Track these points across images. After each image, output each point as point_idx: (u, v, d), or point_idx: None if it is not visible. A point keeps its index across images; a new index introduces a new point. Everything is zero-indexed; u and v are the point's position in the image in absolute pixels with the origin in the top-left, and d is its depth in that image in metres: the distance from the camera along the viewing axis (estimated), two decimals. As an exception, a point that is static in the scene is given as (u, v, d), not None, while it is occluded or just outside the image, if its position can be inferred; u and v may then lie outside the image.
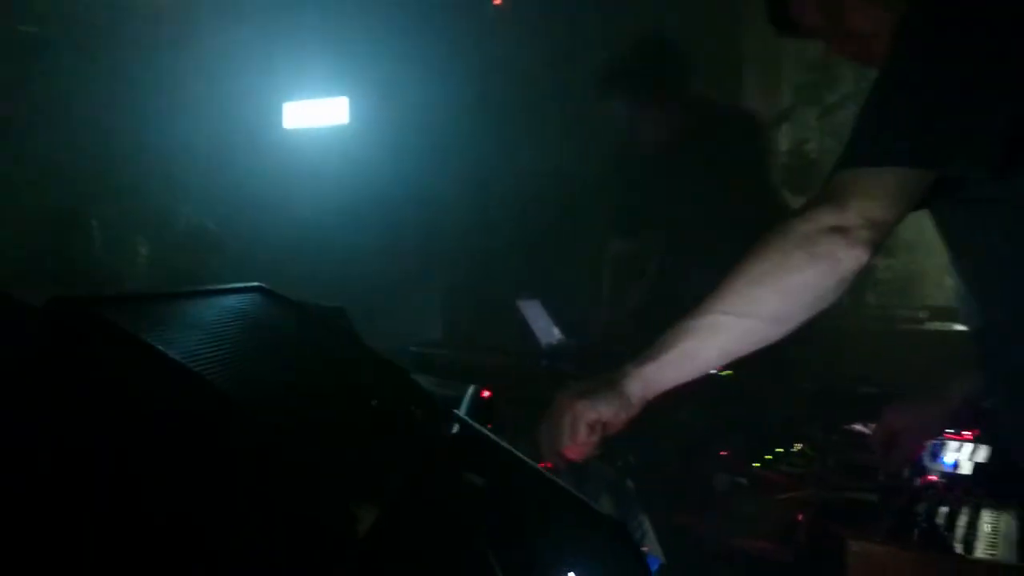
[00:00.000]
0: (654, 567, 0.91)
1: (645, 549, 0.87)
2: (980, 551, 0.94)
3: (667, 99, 2.26)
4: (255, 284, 1.31)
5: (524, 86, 3.41)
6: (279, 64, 3.58)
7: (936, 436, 1.32)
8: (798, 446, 1.51)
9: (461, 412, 0.98)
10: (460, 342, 2.43)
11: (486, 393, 1.15)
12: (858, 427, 1.68)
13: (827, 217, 0.97)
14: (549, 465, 1.09)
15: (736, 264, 1.04)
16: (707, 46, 4.07)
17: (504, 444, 0.79)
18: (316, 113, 3.97)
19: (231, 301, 1.20)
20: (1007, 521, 1.02)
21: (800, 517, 1.11)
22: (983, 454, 1.37)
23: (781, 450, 1.46)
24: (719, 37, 4.21)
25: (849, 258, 0.97)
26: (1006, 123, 0.89)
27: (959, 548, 0.96)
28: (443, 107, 3.71)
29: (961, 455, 1.35)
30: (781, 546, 1.05)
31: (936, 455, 1.35)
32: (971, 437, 1.48)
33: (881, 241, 0.98)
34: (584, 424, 1.08)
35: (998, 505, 1.08)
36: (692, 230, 2.38)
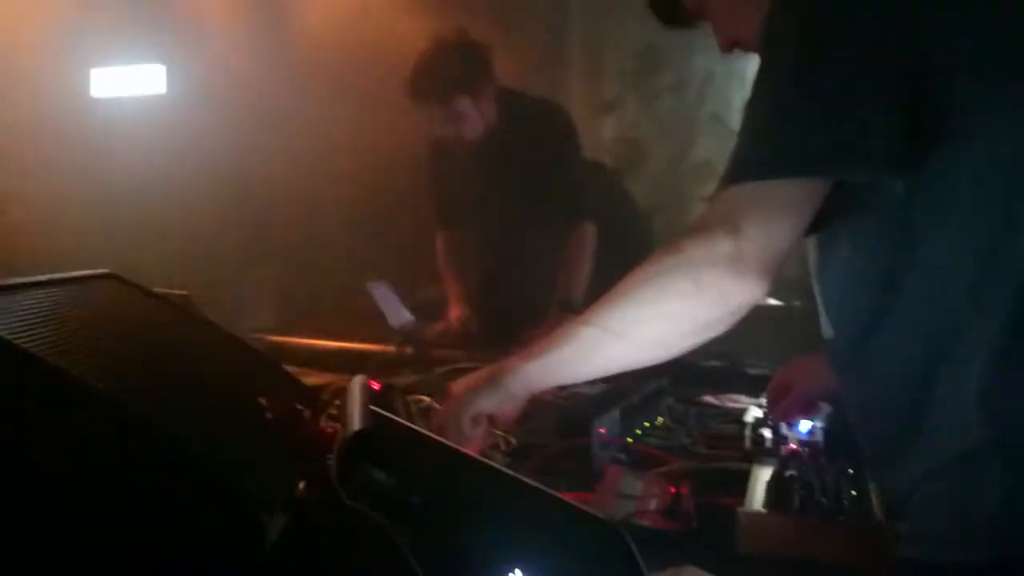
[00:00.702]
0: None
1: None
2: (855, 514, 1.02)
3: (473, 99, 2.31)
4: (104, 271, 1.19)
5: (362, 59, 3.30)
6: (86, 25, 3.24)
7: (825, 396, 1.37)
8: (660, 420, 1.57)
9: (353, 406, 0.93)
10: (308, 329, 2.33)
11: (376, 385, 1.10)
12: (709, 399, 1.79)
13: (721, 245, 0.90)
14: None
15: (623, 280, 0.99)
16: (534, 35, 4.15)
17: (431, 435, 0.75)
18: (129, 81, 3.64)
19: (81, 290, 1.08)
20: (868, 485, 1.11)
21: (681, 489, 1.15)
22: (828, 422, 1.48)
23: (648, 424, 1.51)
24: (546, 26, 4.29)
25: (740, 292, 0.91)
26: (902, 114, 0.84)
27: (836, 512, 1.03)
28: (272, 80, 3.53)
29: (813, 424, 1.46)
30: (668, 519, 1.09)
31: (792, 425, 1.45)
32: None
33: (778, 269, 0.91)
34: (468, 419, 1.07)
35: (855, 470, 1.18)
36: (507, 222, 2.46)
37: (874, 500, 1.05)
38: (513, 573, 0.61)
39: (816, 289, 1.04)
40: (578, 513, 0.54)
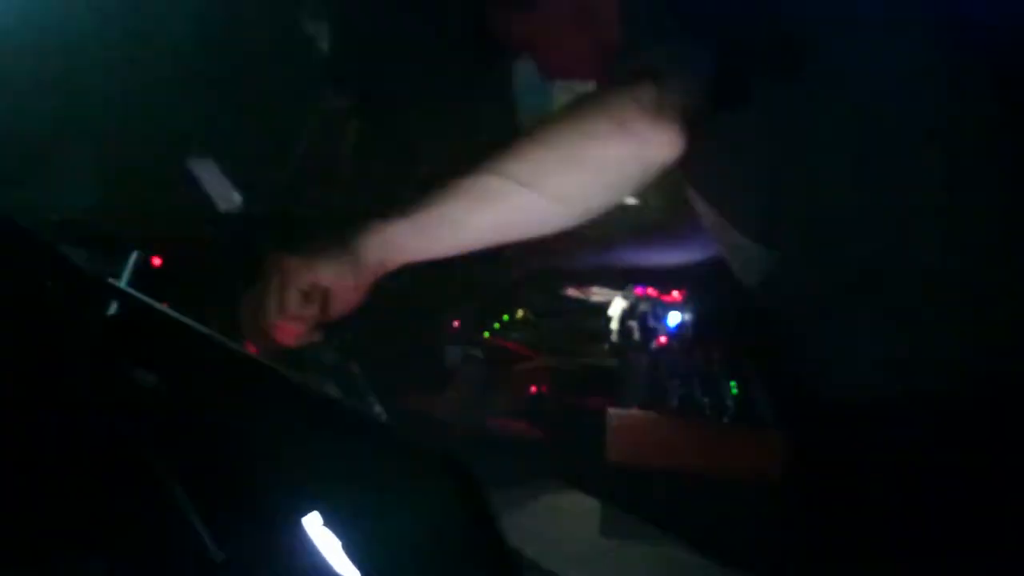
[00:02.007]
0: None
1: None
2: (739, 415, 0.90)
3: None
4: None
5: None
6: None
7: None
8: (520, 312, 1.42)
9: (122, 284, 0.69)
10: (123, 208, 1.99)
11: (158, 260, 0.86)
12: (572, 292, 1.65)
13: (645, 89, 0.84)
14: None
15: (533, 128, 0.89)
16: None
17: (195, 325, 0.53)
18: None
19: None
20: (750, 381, 0.99)
21: (543, 388, 1.01)
22: (692, 313, 1.38)
23: (507, 317, 1.36)
24: None
25: (659, 143, 0.85)
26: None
27: (714, 412, 0.91)
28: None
29: (682, 317, 1.34)
30: (530, 422, 0.94)
31: (660, 317, 1.33)
32: (681, 299, 1.50)
33: (687, 138, 0.86)
34: (295, 290, 0.84)
35: (732, 363, 1.06)
36: (415, 83, 2.17)
37: (765, 398, 0.93)
38: (306, 518, 0.42)
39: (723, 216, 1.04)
40: (402, 442, 0.35)
